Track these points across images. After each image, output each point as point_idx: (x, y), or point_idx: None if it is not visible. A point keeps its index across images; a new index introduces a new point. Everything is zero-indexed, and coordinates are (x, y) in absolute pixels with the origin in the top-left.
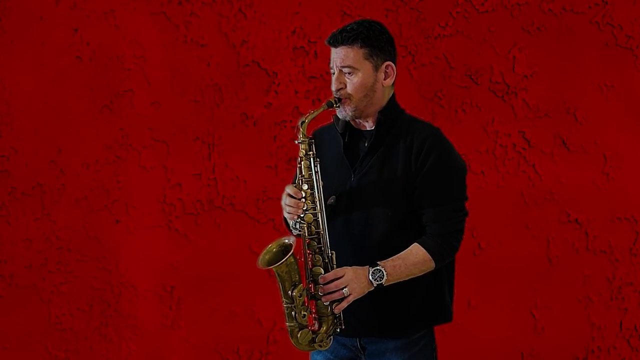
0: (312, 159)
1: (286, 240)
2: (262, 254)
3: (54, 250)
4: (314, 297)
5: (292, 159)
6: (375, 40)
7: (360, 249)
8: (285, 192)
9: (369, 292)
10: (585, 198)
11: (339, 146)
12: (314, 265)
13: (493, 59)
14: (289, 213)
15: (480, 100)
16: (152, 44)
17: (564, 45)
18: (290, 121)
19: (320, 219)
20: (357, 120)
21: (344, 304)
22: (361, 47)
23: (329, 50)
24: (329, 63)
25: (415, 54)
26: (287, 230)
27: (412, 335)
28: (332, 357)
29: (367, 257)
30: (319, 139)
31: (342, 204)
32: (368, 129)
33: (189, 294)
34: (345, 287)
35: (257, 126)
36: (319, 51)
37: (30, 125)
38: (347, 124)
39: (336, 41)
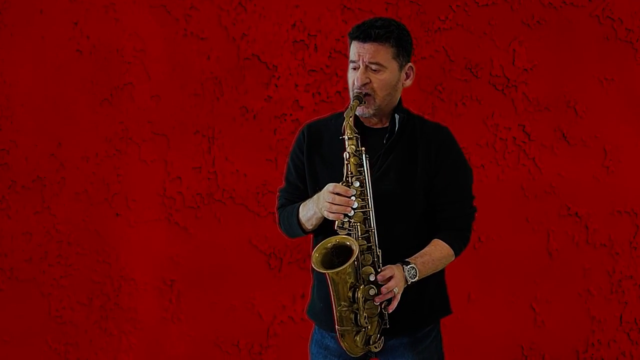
0: (362, 155)
1: (347, 243)
2: (316, 250)
3: (54, 243)
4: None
5: None
6: (403, 41)
7: (383, 245)
8: (326, 191)
9: None
10: (585, 191)
11: None
12: (363, 265)
13: (493, 52)
14: (334, 212)
15: (480, 93)
16: (152, 38)
17: (564, 39)
18: (291, 114)
19: (370, 217)
20: (374, 117)
21: (395, 303)
22: (392, 46)
23: (330, 44)
24: (351, 57)
25: (416, 47)
26: (288, 229)
27: (423, 330)
28: None
29: (388, 255)
30: (316, 133)
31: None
32: (380, 127)
33: (188, 288)
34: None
35: (257, 119)
36: (319, 44)
37: (30, 118)
38: (356, 120)
39: (368, 37)
